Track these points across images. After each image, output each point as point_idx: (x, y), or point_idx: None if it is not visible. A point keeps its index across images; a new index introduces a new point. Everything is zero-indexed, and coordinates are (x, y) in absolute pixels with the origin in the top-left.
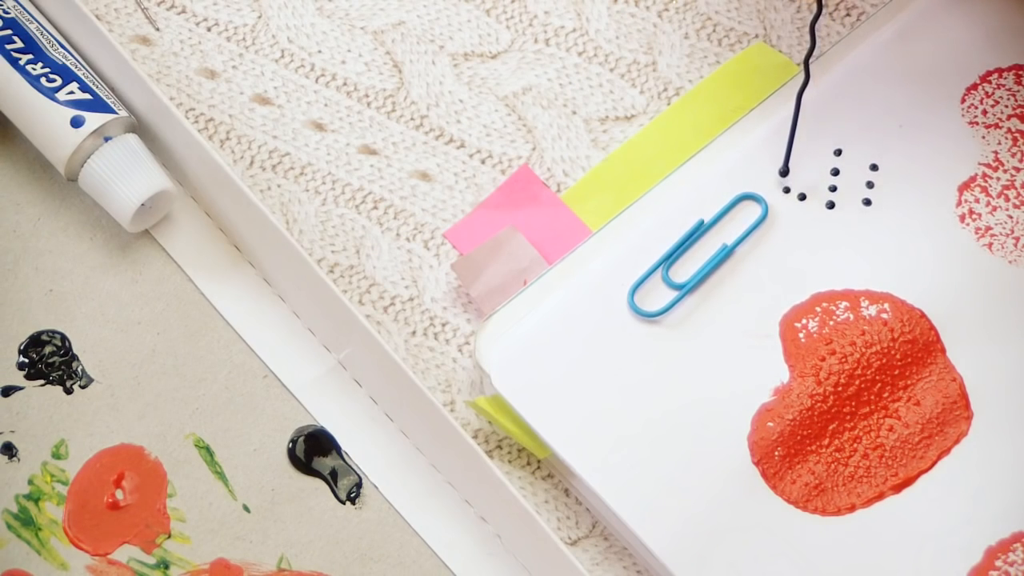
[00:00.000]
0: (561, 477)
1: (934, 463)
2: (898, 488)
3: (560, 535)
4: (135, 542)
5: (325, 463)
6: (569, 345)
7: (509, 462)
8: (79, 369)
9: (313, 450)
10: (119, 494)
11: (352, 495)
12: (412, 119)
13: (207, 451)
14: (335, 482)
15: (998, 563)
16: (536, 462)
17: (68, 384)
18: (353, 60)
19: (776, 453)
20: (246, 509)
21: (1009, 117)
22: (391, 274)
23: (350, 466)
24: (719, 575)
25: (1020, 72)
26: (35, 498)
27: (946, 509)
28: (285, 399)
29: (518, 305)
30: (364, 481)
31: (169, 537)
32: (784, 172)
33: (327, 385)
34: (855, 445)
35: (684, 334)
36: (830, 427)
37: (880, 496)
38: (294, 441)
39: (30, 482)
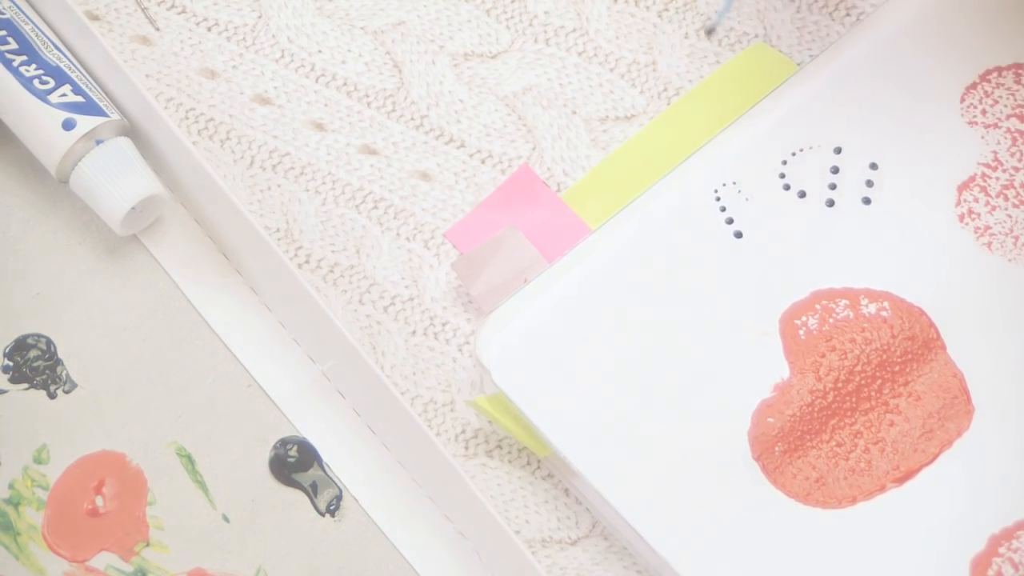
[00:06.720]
0: (561, 476)
1: (936, 456)
2: (900, 480)
3: (560, 535)
4: (113, 549)
5: (306, 475)
6: (569, 341)
7: (509, 462)
8: (63, 374)
9: (294, 461)
10: (99, 501)
11: (332, 507)
12: (412, 119)
13: (188, 460)
14: (315, 494)
15: (1002, 550)
16: (536, 462)
17: (52, 389)
18: (353, 60)
19: (776, 448)
20: (225, 519)
21: (1008, 117)
22: (391, 274)
23: (331, 478)
24: (720, 570)
25: (1020, 71)
26: (15, 503)
27: (949, 498)
28: (268, 409)
29: (518, 301)
30: (344, 494)
31: (148, 545)
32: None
33: (310, 396)
34: (856, 440)
35: (684, 331)
36: (831, 423)
37: (882, 488)
38: (276, 451)
39: (11, 486)
